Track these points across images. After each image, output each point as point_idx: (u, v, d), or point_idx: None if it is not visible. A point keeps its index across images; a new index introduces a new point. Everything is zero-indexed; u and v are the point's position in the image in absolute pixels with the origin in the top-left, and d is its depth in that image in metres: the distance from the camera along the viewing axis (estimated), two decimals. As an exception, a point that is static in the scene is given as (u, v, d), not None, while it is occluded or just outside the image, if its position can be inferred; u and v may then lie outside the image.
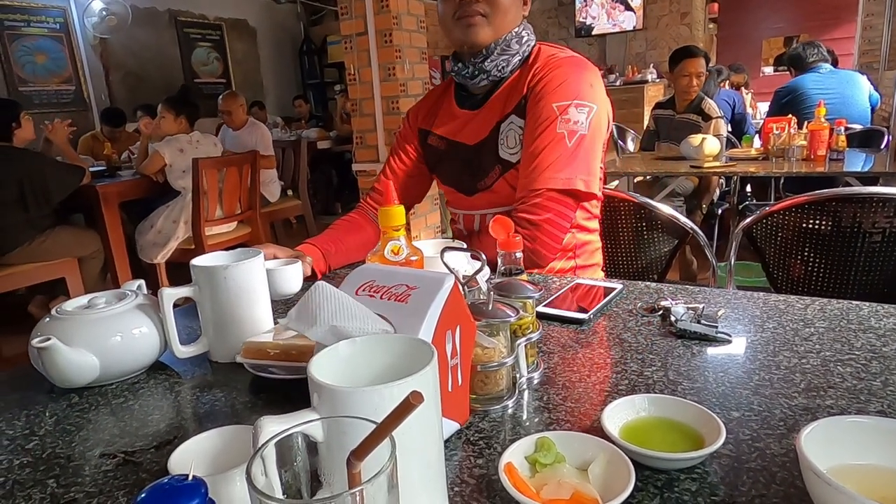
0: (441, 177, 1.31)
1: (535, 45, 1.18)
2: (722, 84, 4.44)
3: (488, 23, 1.11)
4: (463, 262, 0.76)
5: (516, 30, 1.15)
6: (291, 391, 0.69)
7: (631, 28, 7.17)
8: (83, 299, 0.79)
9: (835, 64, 3.76)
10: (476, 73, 1.15)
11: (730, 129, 3.79)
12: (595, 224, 1.26)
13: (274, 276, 0.95)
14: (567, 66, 1.11)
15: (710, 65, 3.79)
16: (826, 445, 0.45)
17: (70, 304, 0.77)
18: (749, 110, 4.71)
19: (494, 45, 1.13)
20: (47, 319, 0.75)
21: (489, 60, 1.14)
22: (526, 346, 0.68)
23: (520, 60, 1.16)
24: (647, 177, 3.54)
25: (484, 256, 0.68)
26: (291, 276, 0.99)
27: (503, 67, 1.15)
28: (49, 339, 0.68)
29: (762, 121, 3.77)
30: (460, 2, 1.10)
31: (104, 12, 5.49)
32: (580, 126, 1.08)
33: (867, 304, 0.84)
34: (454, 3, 1.11)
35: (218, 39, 6.97)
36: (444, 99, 1.29)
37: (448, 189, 1.30)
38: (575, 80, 1.10)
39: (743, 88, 5.16)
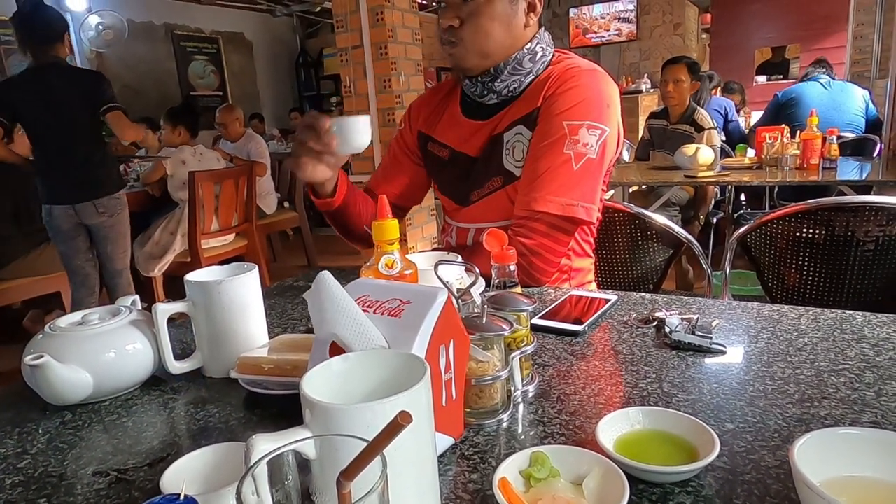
0: (440, 185, 1.28)
1: (552, 56, 1.13)
2: (714, 91, 4.44)
3: (468, 49, 1.06)
4: (457, 276, 0.76)
5: (529, 45, 1.09)
6: (286, 407, 0.69)
7: (625, 39, 7.24)
8: (77, 315, 0.78)
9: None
10: (485, 92, 1.12)
11: (723, 137, 3.81)
12: (590, 248, 1.23)
13: (345, 127, 0.91)
14: (586, 81, 1.06)
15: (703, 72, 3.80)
16: (819, 457, 0.45)
17: (63, 321, 0.77)
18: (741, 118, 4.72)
19: (504, 66, 1.08)
20: (40, 336, 0.75)
21: (499, 81, 1.10)
22: (520, 359, 0.68)
23: (533, 78, 1.11)
24: (642, 187, 3.56)
25: (478, 269, 0.68)
26: (362, 128, 0.95)
27: (515, 88, 1.11)
28: (42, 356, 0.68)
29: (751, 130, 3.83)
30: (441, 27, 1.07)
31: (100, 26, 5.51)
32: (589, 149, 1.04)
33: (861, 313, 0.84)
34: (441, 31, 1.08)
35: (214, 53, 7.01)
36: (449, 103, 1.24)
37: (445, 199, 1.27)
38: (592, 100, 1.05)
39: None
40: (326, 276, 0.56)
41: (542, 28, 1.14)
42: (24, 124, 2.68)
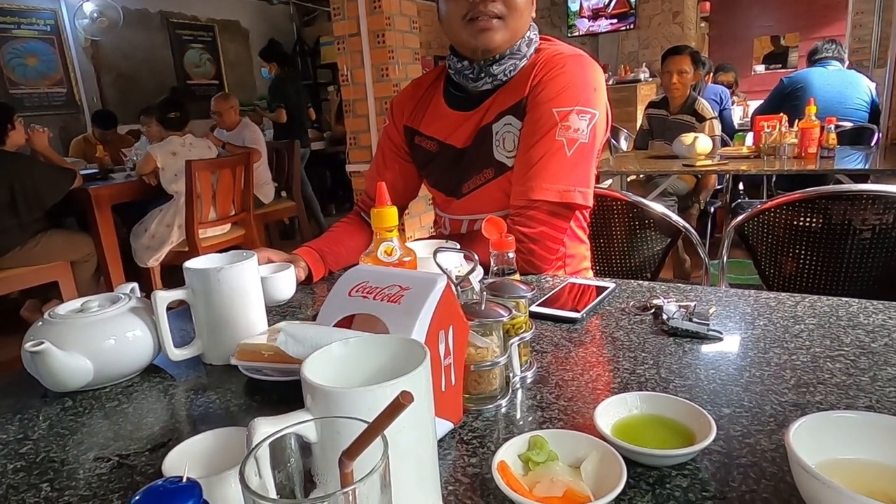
0: (430, 179, 1.27)
1: (538, 43, 1.13)
2: (708, 78, 4.41)
3: (504, 25, 1.04)
4: (456, 263, 0.76)
5: (527, 31, 1.10)
6: (286, 393, 0.69)
7: (624, 27, 7.20)
8: (76, 303, 0.79)
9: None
10: (482, 75, 1.10)
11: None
12: (584, 234, 1.23)
13: (266, 284, 0.93)
14: (572, 67, 1.06)
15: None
16: (814, 441, 0.45)
17: (63, 308, 0.77)
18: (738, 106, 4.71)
19: (508, 50, 1.08)
20: (40, 323, 0.75)
21: (498, 64, 1.09)
22: (519, 345, 0.68)
23: (525, 62, 1.11)
24: (640, 176, 3.55)
25: (477, 256, 0.68)
26: (284, 283, 0.98)
27: (510, 72, 1.10)
28: (42, 343, 0.68)
29: (749, 119, 3.79)
30: (473, 2, 1.02)
31: (95, 14, 5.46)
32: (581, 134, 1.04)
33: (856, 300, 0.85)
34: (465, 4, 1.03)
35: (210, 41, 6.94)
36: (433, 95, 1.23)
37: (436, 192, 1.26)
38: (579, 85, 1.05)
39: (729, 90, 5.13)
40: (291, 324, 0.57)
41: None
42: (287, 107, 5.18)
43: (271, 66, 5.29)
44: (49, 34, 5.45)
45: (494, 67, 1.09)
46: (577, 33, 7.41)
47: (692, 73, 3.36)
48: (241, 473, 0.31)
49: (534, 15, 1.12)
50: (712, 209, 3.57)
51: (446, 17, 1.09)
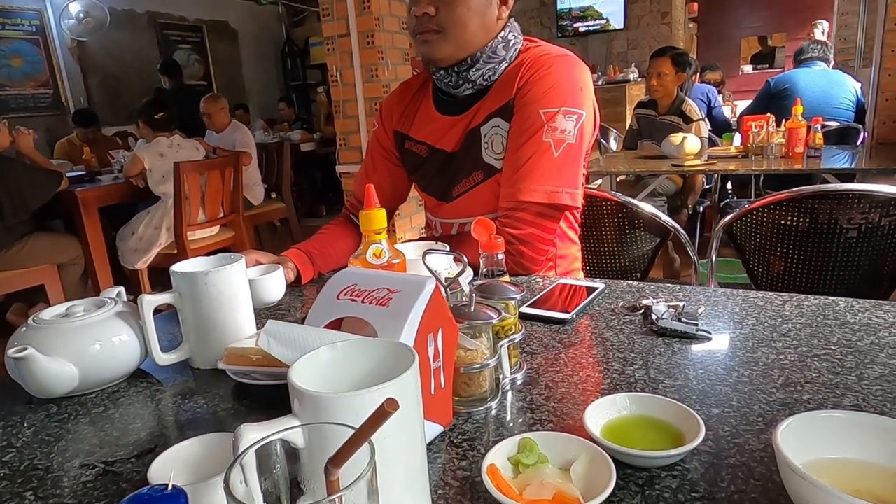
0: (420, 183, 1.27)
1: (521, 44, 1.13)
2: (695, 78, 4.43)
3: (445, 38, 1.05)
4: (445, 265, 0.76)
5: (502, 34, 1.09)
6: (274, 397, 0.69)
7: (612, 28, 7.23)
8: (61, 307, 0.77)
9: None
10: (460, 82, 1.11)
11: (708, 126, 3.82)
12: (575, 235, 1.23)
13: (255, 286, 0.92)
14: (558, 68, 1.06)
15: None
16: (802, 440, 0.45)
17: (47, 313, 0.76)
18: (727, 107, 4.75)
19: (480, 54, 1.08)
20: (24, 329, 0.74)
21: (474, 70, 1.09)
22: (508, 347, 0.68)
23: (506, 66, 1.11)
24: (630, 176, 3.56)
25: (466, 258, 0.68)
26: (273, 285, 0.97)
27: (490, 76, 1.10)
28: (25, 349, 0.67)
29: (740, 118, 3.82)
30: (416, 18, 1.05)
31: (81, 14, 5.42)
32: (567, 135, 1.05)
33: (843, 299, 0.86)
34: (413, 20, 1.07)
35: (198, 41, 6.90)
36: (421, 99, 1.23)
37: (427, 196, 1.26)
38: (565, 85, 1.06)
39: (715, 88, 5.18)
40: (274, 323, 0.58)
41: (512, 18, 1.14)
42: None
43: (164, 78, 5.41)
44: (34, 35, 5.39)
45: (471, 73, 1.09)
46: (566, 34, 7.43)
47: (673, 76, 3.37)
48: (226, 481, 0.31)
49: (503, 17, 1.10)
50: (701, 209, 3.59)
51: (409, 30, 1.12)
